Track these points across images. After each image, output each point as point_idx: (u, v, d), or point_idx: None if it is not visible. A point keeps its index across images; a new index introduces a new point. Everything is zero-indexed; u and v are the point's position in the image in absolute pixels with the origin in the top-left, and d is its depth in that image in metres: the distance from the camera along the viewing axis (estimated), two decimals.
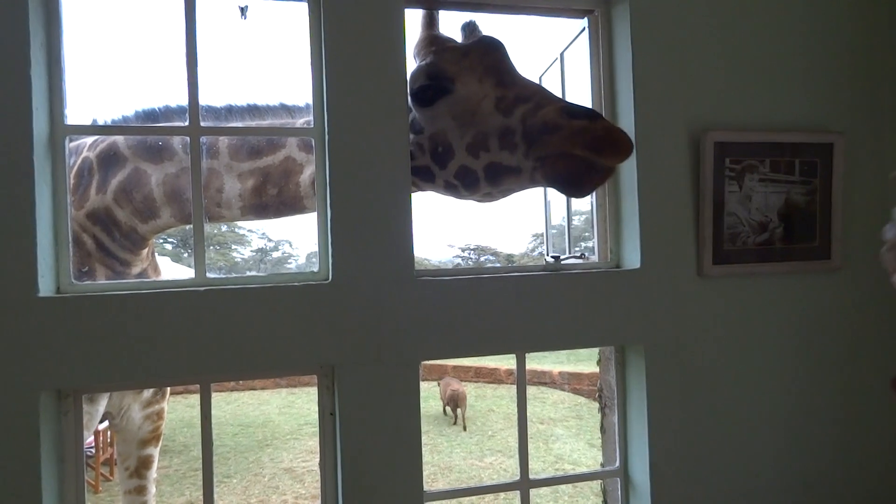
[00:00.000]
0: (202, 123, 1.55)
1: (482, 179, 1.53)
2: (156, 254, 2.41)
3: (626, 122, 1.79)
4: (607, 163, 1.35)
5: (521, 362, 1.74)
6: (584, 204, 1.88)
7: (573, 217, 2.09)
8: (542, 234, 2.39)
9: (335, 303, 1.53)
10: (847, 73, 1.96)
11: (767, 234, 1.86)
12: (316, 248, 1.59)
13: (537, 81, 2.22)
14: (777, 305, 1.88)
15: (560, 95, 1.93)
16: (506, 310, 1.64)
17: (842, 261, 1.93)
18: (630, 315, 1.75)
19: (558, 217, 2.22)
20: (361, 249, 1.54)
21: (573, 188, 1.40)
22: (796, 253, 1.90)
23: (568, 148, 1.33)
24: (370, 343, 1.55)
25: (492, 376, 13.25)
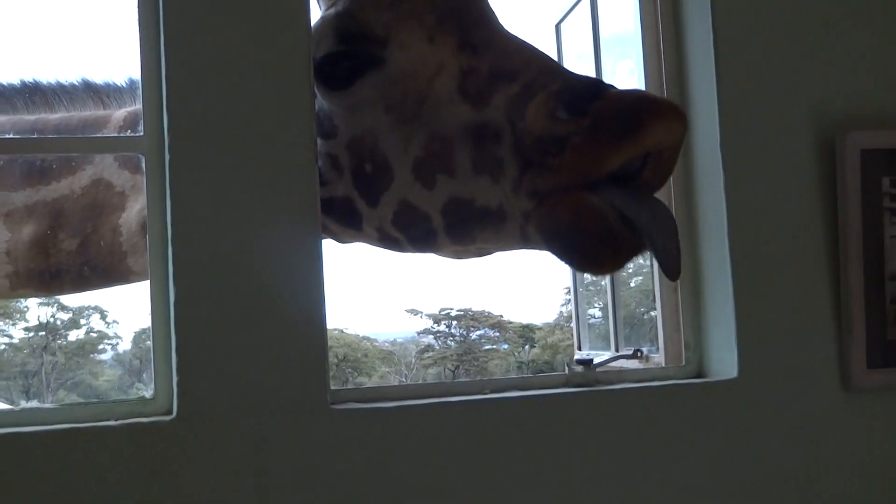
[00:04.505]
0: None
1: (441, 231, 1.46)
2: None
3: (705, 117, 1.77)
4: (658, 139, 1.27)
5: None
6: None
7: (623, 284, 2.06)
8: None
9: (184, 457, 1.42)
10: None
11: None
12: (149, 324, 1.49)
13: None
14: None
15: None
16: (496, 466, 1.55)
17: None
18: (721, 466, 1.68)
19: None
20: (232, 354, 1.43)
21: (585, 258, 1.36)
22: None
23: (591, 173, 1.26)
24: None
25: None
